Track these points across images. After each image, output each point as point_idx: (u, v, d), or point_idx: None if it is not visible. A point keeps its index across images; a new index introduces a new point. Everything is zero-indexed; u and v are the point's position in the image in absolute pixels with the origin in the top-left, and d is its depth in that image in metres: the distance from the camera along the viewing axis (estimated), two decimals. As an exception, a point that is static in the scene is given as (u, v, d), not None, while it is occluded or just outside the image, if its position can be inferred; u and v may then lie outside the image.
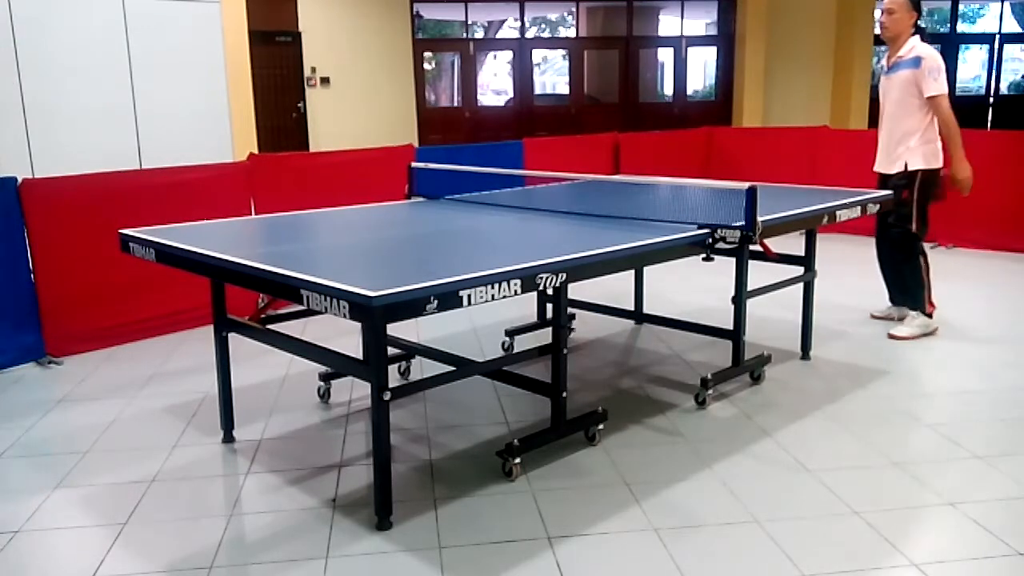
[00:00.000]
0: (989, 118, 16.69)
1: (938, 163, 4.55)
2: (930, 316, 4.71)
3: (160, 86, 8.74)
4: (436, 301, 2.44)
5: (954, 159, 4.48)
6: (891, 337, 4.67)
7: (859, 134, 9.62)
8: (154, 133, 8.71)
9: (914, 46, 4.52)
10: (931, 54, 4.45)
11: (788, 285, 4.29)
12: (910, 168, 4.53)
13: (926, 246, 4.76)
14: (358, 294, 2.37)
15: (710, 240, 3.35)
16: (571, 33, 15.26)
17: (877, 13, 14.77)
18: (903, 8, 4.51)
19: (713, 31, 15.34)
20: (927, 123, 4.50)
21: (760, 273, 4.01)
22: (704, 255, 3.42)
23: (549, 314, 4.44)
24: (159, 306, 5.10)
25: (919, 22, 4.54)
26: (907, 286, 4.74)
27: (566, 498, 2.99)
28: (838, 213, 3.94)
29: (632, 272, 4.86)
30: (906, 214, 4.57)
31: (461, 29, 14.52)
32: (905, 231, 4.60)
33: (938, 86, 4.41)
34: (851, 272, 6.21)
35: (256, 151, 7.97)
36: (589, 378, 4.24)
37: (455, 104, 14.51)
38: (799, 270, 4.33)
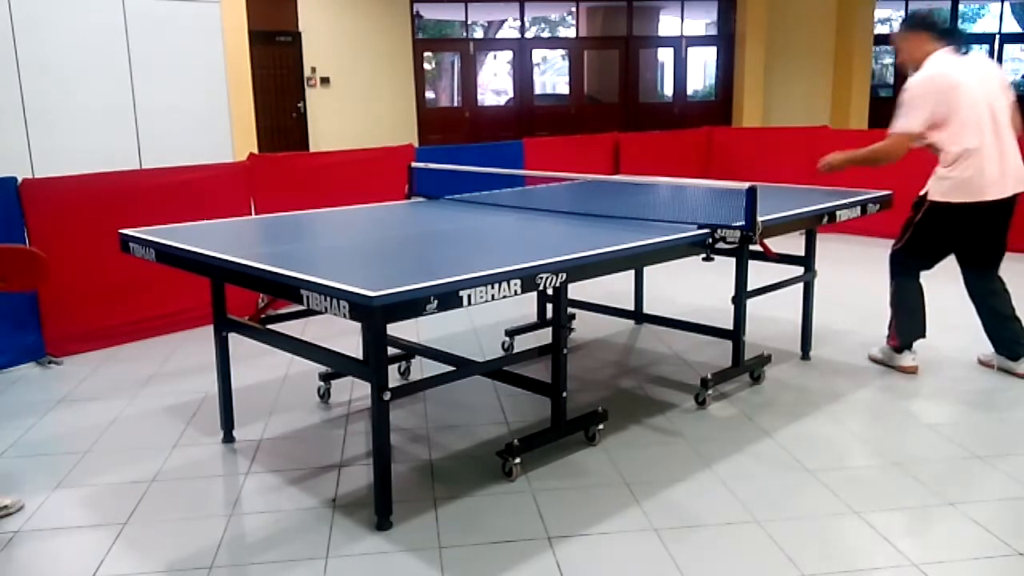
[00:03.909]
0: (989, 118, 16.67)
1: (955, 198, 3.85)
2: (895, 349, 4.22)
3: (160, 86, 8.74)
4: (436, 301, 2.44)
5: (847, 155, 4.05)
6: (869, 358, 4.38)
7: (859, 134, 9.63)
8: (154, 133, 8.71)
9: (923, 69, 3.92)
10: (914, 83, 3.85)
11: (788, 285, 4.29)
12: (924, 195, 4.01)
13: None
14: (358, 294, 2.37)
15: (710, 240, 3.35)
16: (571, 33, 15.26)
17: (878, 13, 14.91)
18: (903, 39, 4.03)
19: (713, 31, 15.36)
20: (940, 151, 3.89)
21: (760, 273, 4.01)
22: (704, 255, 3.42)
23: (549, 314, 4.44)
24: (159, 306, 5.10)
25: (943, 38, 3.92)
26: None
27: (566, 498, 2.99)
28: (838, 213, 3.94)
29: (632, 272, 4.86)
30: (902, 234, 4.12)
31: (461, 29, 14.52)
32: (892, 248, 4.19)
33: (900, 122, 3.85)
34: (851, 272, 6.21)
35: (256, 151, 7.97)
36: (589, 378, 4.24)
37: (455, 104, 14.51)
38: (799, 270, 4.33)
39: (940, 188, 3.89)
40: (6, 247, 2.85)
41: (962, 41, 3.98)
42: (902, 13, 16.31)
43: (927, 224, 3.99)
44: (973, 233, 3.98)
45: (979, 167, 3.81)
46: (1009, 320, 4.07)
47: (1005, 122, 3.91)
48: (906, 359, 4.21)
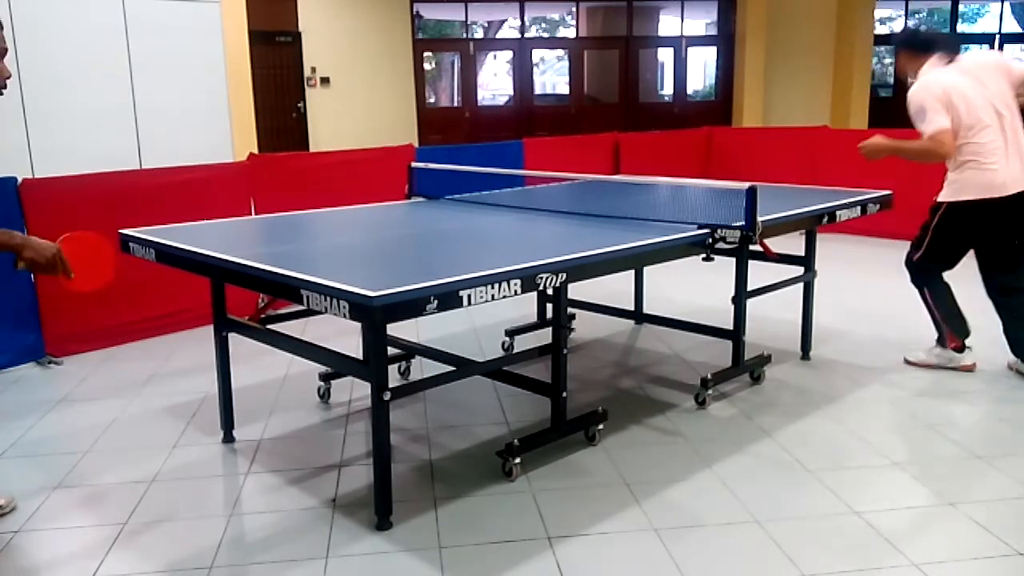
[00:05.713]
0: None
1: (967, 196, 3.92)
2: (957, 350, 4.22)
3: (160, 86, 8.73)
4: (436, 301, 2.44)
5: (895, 144, 4.11)
6: (905, 362, 4.35)
7: (859, 134, 9.59)
8: (154, 133, 8.70)
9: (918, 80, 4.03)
10: (914, 93, 3.93)
11: (788, 285, 4.29)
12: (937, 199, 4.08)
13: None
14: (358, 294, 2.37)
15: (710, 240, 3.35)
16: (571, 33, 15.26)
17: (878, 13, 14.91)
18: (896, 54, 4.19)
19: (713, 31, 15.35)
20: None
21: (760, 273, 4.01)
22: (704, 255, 3.42)
23: (549, 314, 4.44)
24: (159, 306, 5.10)
25: (927, 52, 4.02)
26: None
27: (566, 498, 2.99)
28: (838, 213, 3.94)
29: (632, 272, 4.86)
30: (919, 240, 4.15)
31: (461, 29, 14.52)
32: (909, 256, 4.20)
33: (926, 126, 3.86)
34: (851, 272, 6.22)
35: (256, 151, 7.97)
36: (589, 378, 4.24)
37: (455, 104, 14.51)
38: (799, 270, 4.33)
39: (951, 190, 3.98)
40: (74, 235, 2.61)
41: (948, 49, 4.04)
42: (902, 13, 16.34)
43: (944, 227, 4.05)
44: (990, 231, 4.03)
45: (984, 165, 3.88)
46: None
47: (1010, 116, 3.92)
48: (967, 358, 4.22)
